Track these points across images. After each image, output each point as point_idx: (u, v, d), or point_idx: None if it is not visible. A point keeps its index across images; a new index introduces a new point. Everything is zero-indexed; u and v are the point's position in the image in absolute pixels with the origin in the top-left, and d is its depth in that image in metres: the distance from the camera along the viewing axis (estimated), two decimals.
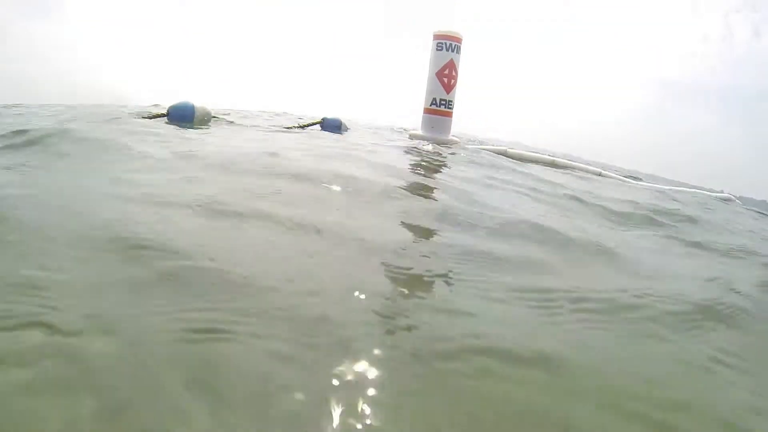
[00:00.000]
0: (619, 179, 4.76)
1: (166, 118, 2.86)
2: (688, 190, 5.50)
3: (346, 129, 3.77)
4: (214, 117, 3.10)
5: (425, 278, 0.96)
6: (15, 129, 1.91)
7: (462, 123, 5.04)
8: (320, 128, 3.65)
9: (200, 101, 3.08)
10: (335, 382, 0.57)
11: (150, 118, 2.80)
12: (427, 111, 4.73)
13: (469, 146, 4.73)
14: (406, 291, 0.89)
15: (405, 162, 2.56)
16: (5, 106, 3.24)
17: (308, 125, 3.59)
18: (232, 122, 3.20)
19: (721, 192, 7.18)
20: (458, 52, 4.70)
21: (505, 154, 4.66)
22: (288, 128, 3.39)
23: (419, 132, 4.77)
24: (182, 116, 2.84)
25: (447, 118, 4.72)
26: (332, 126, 3.68)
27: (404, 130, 5.19)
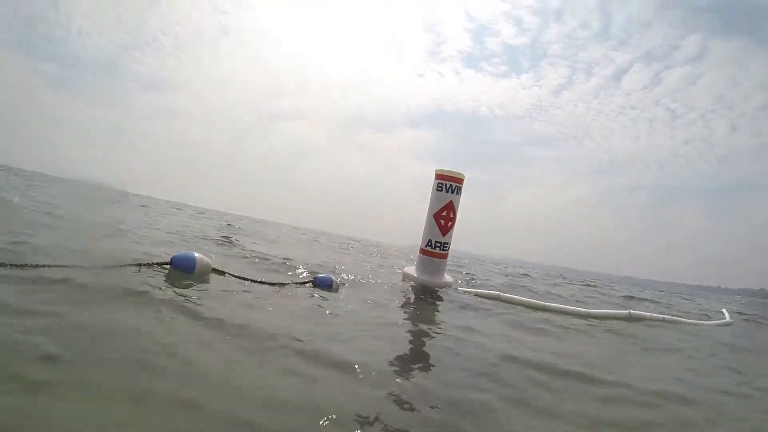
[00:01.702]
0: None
1: (168, 266, 2.82)
2: (688, 321, 5.32)
3: (338, 286, 3.63)
4: (214, 269, 3.00)
5: None
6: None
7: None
8: (312, 286, 3.51)
9: (200, 252, 3.02)
10: None
11: (151, 265, 2.79)
12: (422, 251, 4.61)
13: (461, 291, 4.56)
14: None
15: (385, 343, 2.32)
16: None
17: (301, 283, 3.50)
18: (224, 273, 3.05)
19: (721, 311, 7.05)
20: (458, 193, 4.64)
21: (498, 298, 4.50)
22: (281, 285, 3.26)
23: (413, 272, 4.62)
24: (183, 267, 2.82)
25: (442, 260, 4.60)
26: (324, 284, 3.55)
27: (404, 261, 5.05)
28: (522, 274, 11.94)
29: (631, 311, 4.79)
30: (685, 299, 11.69)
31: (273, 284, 3.18)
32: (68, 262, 2.45)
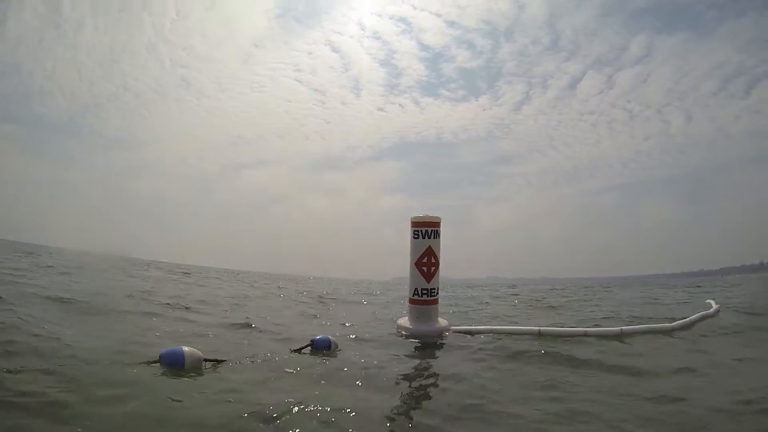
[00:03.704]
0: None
1: (158, 363, 2.72)
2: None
3: (336, 347, 3.59)
4: (205, 360, 2.89)
5: None
6: None
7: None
8: (310, 350, 3.45)
9: (189, 346, 2.91)
10: None
11: (140, 363, 2.71)
12: (411, 301, 4.63)
13: (456, 333, 4.59)
14: None
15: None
16: None
17: (299, 350, 3.43)
18: (221, 362, 2.94)
19: (710, 302, 7.31)
20: (437, 236, 4.70)
21: (491, 332, 4.57)
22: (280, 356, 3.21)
23: (406, 323, 4.61)
24: (173, 363, 2.72)
25: (432, 306, 4.62)
26: (322, 346, 3.51)
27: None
28: (512, 294, 12.16)
29: (623, 328, 4.89)
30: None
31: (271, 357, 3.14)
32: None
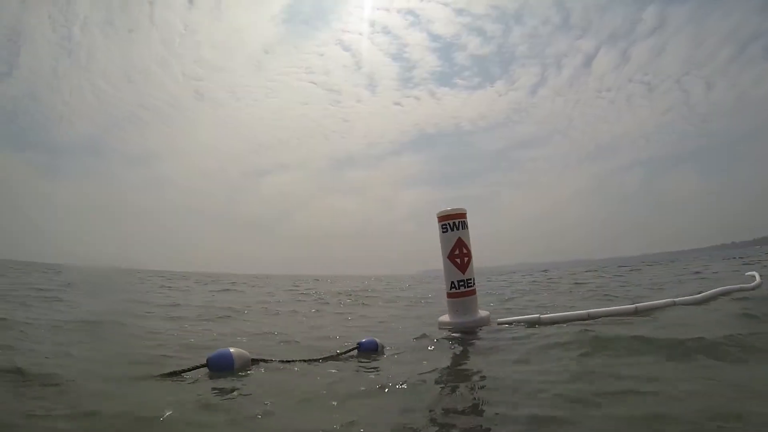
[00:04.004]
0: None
1: (206, 368, 2.70)
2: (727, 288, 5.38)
3: (383, 349, 3.61)
4: (253, 361, 2.93)
5: None
6: None
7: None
8: (357, 353, 3.46)
9: (236, 346, 2.95)
10: None
11: (187, 370, 2.66)
12: (449, 295, 4.66)
13: (500, 324, 4.58)
14: None
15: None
16: None
17: (345, 353, 3.44)
18: (269, 361, 3.00)
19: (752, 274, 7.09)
20: (465, 227, 4.71)
21: (538, 322, 4.49)
22: (324, 359, 3.25)
23: (446, 318, 4.65)
24: (222, 366, 2.71)
25: (470, 297, 4.63)
26: (369, 349, 3.52)
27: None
28: (548, 279, 11.98)
29: (674, 299, 4.83)
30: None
31: (317, 360, 3.18)
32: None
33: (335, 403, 2.21)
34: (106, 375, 2.66)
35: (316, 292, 11.86)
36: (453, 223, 4.67)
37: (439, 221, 4.71)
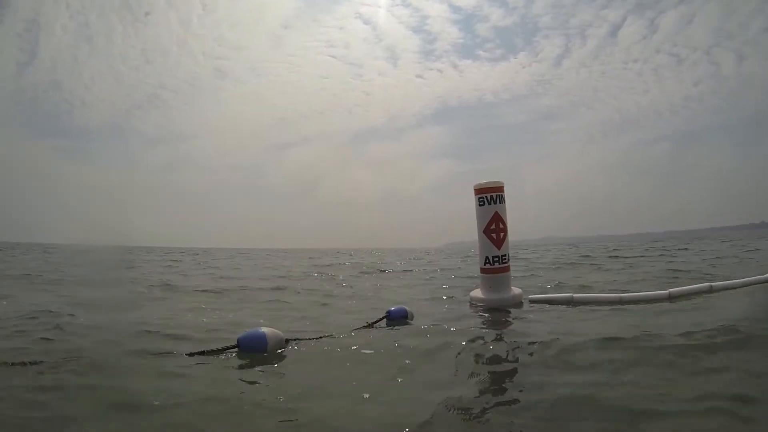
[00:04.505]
0: None
1: (237, 349, 2.57)
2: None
3: (412, 317, 3.60)
4: (287, 341, 2.78)
5: None
6: None
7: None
8: (386, 322, 3.44)
9: (270, 326, 2.81)
10: None
11: (217, 351, 2.54)
12: (482, 270, 4.51)
13: (532, 302, 4.43)
14: None
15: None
16: None
17: (375, 322, 3.45)
18: (303, 339, 2.89)
19: None
20: (502, 201, 4.52)
21: (571, 302, 4.35)
22: (356, 330, 3.24)
23: (479, 294, 4.53)
24: (254, 348, 2.57)
25: (504, 274, 4.48)
26: (399, 317, 3.50)
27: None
28: (582, 256, 11.54)
29: (711, 284, 4.53)
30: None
31: (350, 333, 3.14)
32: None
33: (370, 377, 2.17)
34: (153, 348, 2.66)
35: (345, 266, 11.91)
36: (490, 196, 4.48)
37: (476, 194, 4.52)
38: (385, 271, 9.62)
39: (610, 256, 10.94)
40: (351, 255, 19.08)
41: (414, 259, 15.47)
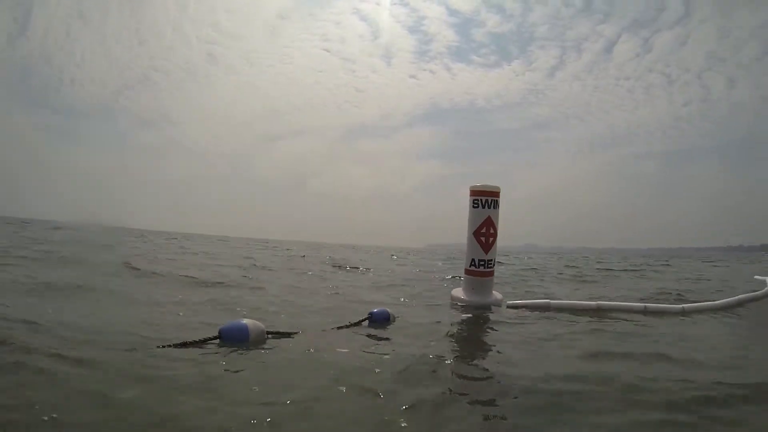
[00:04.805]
0: None
1: (218, 340, 2.54)
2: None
3: (394, 319, 3.52)
4: (268, 333, 2.76)
5: None
6: None
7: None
8: (368, 323, 3.36)
9: (251, 318, 2.80)
10: None
11: (199, 342, 2.47)
12: (467, 272, 4.50)
13: (510, 307, 4.42)
14: None
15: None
16: None
17: (357, 323, 3.34)
18: (284, 333, 2.84)
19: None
20: (496, 206, 4.52)
21: (548, 308, 4.37)
22: (338, 328, 3.14)
23: (460, 294, 4.51)
24: (236, 339, 2.55)
25: (487, 278, 4.47)
26: (381, 319, 3.42)
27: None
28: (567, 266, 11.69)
29: (684, 306, 4.58)
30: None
31: (330, 329, 3.07)
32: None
33: (348, 374, 2.09)
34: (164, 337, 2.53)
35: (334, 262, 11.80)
36: (485, 200, 4.48)
37: (471, 195, 4.51)
38: (369, 270, 9.54)
39: (597, 268, 11.12)
40: (334, 251, 18.96)
41: (397, 258, 15.46)
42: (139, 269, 6.16)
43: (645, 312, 4.29)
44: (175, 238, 20.30)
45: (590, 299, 4.72)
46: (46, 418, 1.39)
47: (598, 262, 14.04)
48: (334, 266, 9.79)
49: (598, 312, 4.23)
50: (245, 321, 2.68)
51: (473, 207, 4.49)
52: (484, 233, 4.45)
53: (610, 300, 4.72)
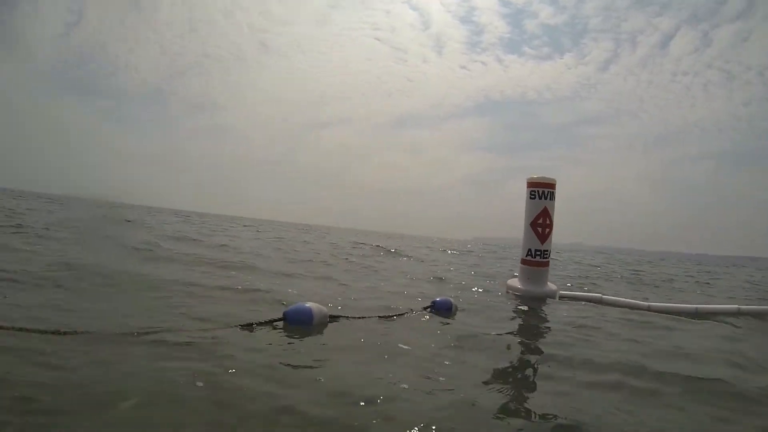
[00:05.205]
0: None
1: (283, 322, 2.58)
2: None
3: (456, 309, 3.55)
4: (330, 317, 2.80)
5: None
6: None
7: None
8: (431, 311, 3.42)
9: (315, 301, 2.82)
10: None
11: (264, 324, 2.55)
12: (523, 262, 4.61)
13: (563, 298, 4.50)
14: None
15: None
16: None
17: (419, 311, 3.38)
18: (347, 317, 2.89)
19: None
20: (552, 198, 4.59)
21: (600, 302, 4.42)
22: (399, 315, 3.16)
23: (516, 283, 4.63)
24: (300, 321, 2.62)
25: (543, 269, 4.57)
26: (443, 308, 3.45)
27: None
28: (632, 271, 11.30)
29: (740, 306, 4.45)
30: None
31: (392, 317, 3.11)
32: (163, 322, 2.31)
33: (410, 359, 2.18)
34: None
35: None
36: (542, 191, 4.55)
37: (528, 186, 4.60)
38: (423, 260, 9.69)
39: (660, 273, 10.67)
40: (385, 239, 19.14)
41: (448, 250, 15.56)
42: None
43: (697, 314, 4.21)
44: (248, 224, 21.01)
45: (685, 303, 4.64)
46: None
47: (655, 267, 13.36)
48: (388, 254, 10.06)
49: (649, 311, 4.19)
50: (309, 304, 2.71)
51: (530, 198, 4.57)
52: (541, 224, 4.54)
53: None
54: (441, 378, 1.94)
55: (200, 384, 1.59)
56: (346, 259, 7.82)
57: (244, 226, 19.24)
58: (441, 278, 5.86)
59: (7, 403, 1.31)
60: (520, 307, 4.02)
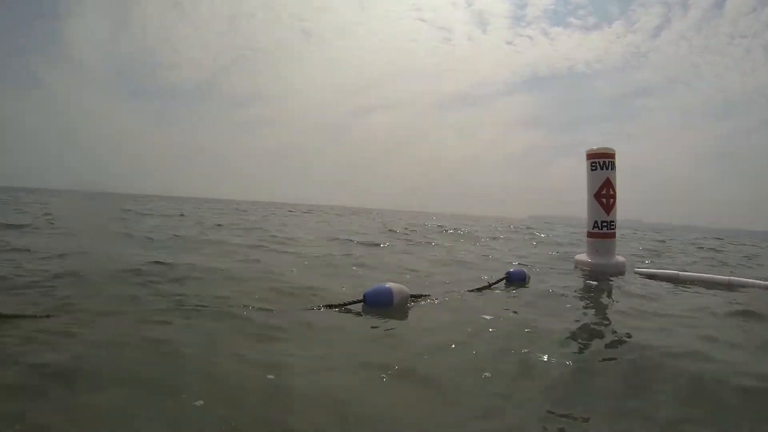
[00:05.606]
0: None
1: (363, 304, 2.59)
2: None
3: (529, 280, 3.68)
4: (412, 297, 2.79)
5: None
6: None
7: None
8: (505, 283, 3.52)
9: (396, 282, 2.77)
10: None
11: (344, 305, 2.55)
12: (589, 235, 4.64)
13: (637, 273, 4.46)
14: None
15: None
16: None
17: (495, 283, 3.45)
18: (425, 299, 2.88)
19: None
20: (613, 168, 4.55)
21: (677, 279, 4.25)
22: (479, 289, 3.24)
23: (584, 257, 4.69)
24: (380, 302, 2.57)
25: (610, 240, 4.57)
26: (518, 279, 3.58)
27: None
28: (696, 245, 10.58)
29: None
30: None
31: (471, 291, 3.18)
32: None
33: (494, 333, 2.20)
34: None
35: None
36: (603, 162, 4.52)
37: (588, 158, 4.58)
38: (488, 238, 9.79)
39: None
40: (443, 220, 19.17)
41: (512, 227, 15.41)
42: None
43: None
44: (310, 210, 21.62)
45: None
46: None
47: (726, 244, 12.26)
48: (460, 235, 10.30)
49: (729, 287, 3.97)
50: (390, 285, 2.64)
51: (591, 170, 4.55)
52: (605, 194, 4.52)
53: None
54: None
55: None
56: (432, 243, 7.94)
57: (304, 212, 20.04)
58: (508, 253, 5.95)
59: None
60: (589, 282, 4.01)
